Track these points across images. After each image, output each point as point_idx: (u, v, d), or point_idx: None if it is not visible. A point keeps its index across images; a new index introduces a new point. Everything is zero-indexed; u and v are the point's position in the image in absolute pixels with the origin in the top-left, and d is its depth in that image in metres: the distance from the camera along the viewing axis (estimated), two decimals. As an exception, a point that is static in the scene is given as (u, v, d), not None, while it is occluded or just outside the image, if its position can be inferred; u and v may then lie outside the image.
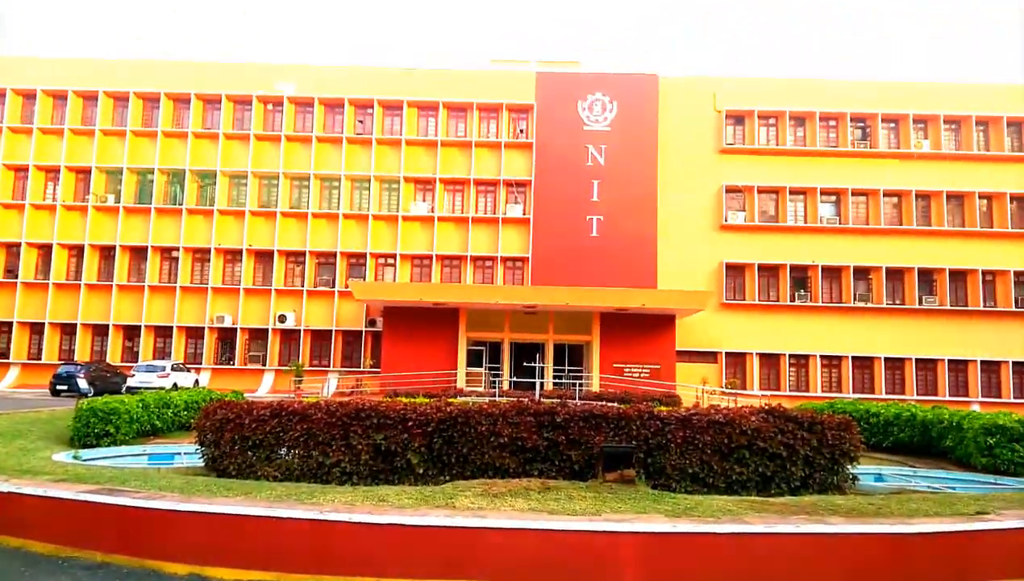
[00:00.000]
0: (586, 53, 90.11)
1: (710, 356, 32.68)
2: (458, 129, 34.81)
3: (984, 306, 32.46)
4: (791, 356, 32.58)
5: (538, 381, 28.88)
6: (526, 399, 10.37)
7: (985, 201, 33.52)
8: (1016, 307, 32.41)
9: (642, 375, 30.29)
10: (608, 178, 33.53)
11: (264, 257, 33.82)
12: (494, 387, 27.73)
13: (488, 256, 33.63)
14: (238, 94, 34.27)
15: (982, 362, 32.00)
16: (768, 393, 30.11)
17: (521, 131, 34.58)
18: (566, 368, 31.08)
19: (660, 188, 33.53)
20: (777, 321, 32.79)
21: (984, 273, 32.70)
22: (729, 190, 33.78)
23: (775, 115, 34.27)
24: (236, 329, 32.90)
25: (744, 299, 33.07)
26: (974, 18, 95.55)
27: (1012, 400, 31.00)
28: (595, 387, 28.99)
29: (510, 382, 29.47)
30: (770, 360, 32.81)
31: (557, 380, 29.86)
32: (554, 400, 10.74)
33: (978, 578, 6.72)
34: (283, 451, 9.79)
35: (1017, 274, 32.71)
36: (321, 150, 34.24)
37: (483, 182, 34.32)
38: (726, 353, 32.65)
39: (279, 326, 32.73)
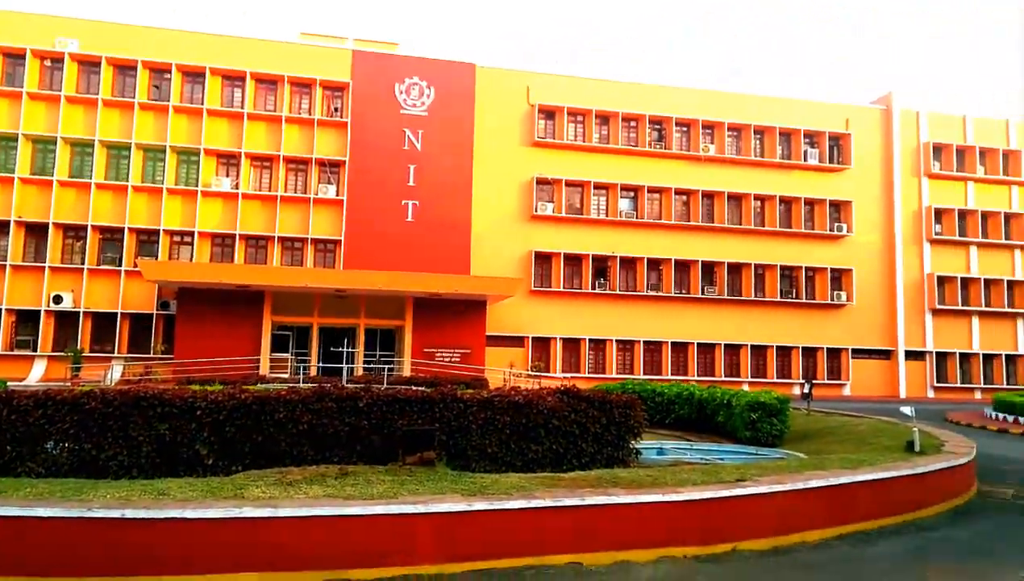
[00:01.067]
0: (405, 36, 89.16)
1: (518, 341, 33.84)
2: (267, 103, 33.06)
3: (755, 297, 36.41)
4: (591, 340, 34.57)
5: (346, 367, 28.34)
6: (328, 385, 10.15)
7: (759, 202, 37.52)
8: (781, 298, 36.68)
9: (453, 359, 30.74)
10: (425, 163, 33.49)
11: (36, 230, 30.12)
12: (301, 374, 26.81)
13: (298, 237, 32.36)
14: (9, 46, 30.11)
15: (752, 346, 35.95)
16: (569, 375, 31.80)
17: (336, 109, 33.54)
18: (377, 353, 30.78)
19: (475, 176, 34.04)
20: (579, 308, 34.63)
21: (756, 267, 36.65)
22: (539, 182, 35.05)
23: (583, 113, 35.97)
24: (0, 310, 29.07)
25: (551, 286, 34.54)
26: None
27: (775, 380, 35.08)
28: (406, 372, 28.99)
29: (318, 368, 28.66)
30: (572, 344, 34.60)
31: (368, 366, 29.48)
32: (359, 385, 10.61)
33: (737, 537, 7.57)
34: (50, 445, 8.83)
35: (783, 268, 36.99)
36: (108, 115, 31.00)
37: (294, 160, 32.92)
38: (533, 338, 33.97)
39: (53, 307, 29.35)
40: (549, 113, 35.80)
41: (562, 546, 6.82)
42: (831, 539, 8.08)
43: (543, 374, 31.22)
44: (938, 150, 39.51)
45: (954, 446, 12.03)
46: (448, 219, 33.35)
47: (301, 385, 17.71)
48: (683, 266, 36.07)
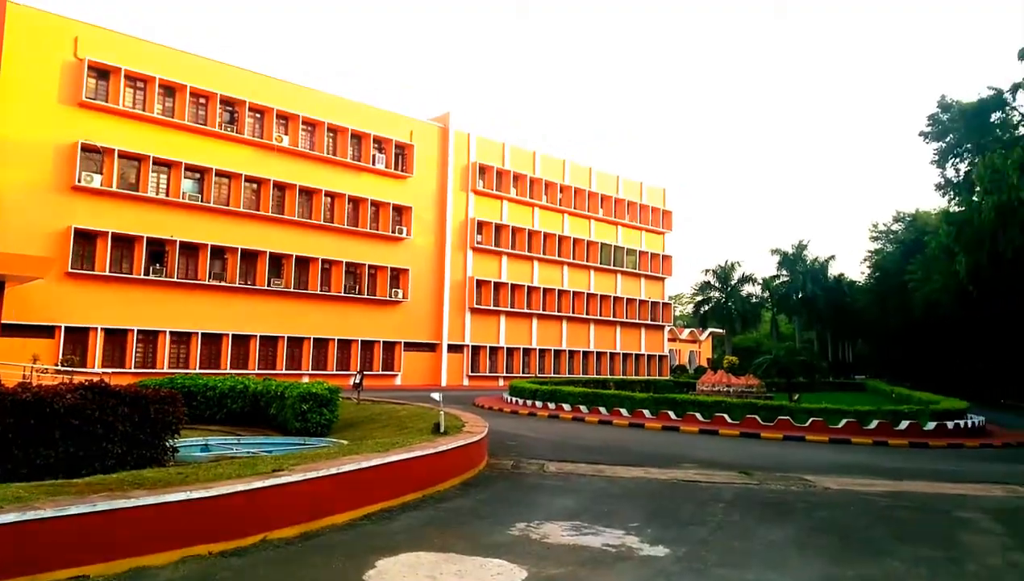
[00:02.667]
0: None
1: (47, 331, 29.10)
2: None
3: (321, 291, 37.29)
4: (140, 332, 31.47)
5: None
6: None
7: (329, 199, 38.49)
8: (345, 293, 38.21)
9: (-50, 352, 25.01)
10: (-83, 104, 26.56)
11: None
12: None
13: None
14: None
15: (315, 339, 36.73)
16: (111, 370, 28.41)
17: None
18: None
19: (-5, 130, 28.24)
20: (128, 295, 31.25)
21: (323, 262, 37.54)
22: (86, 149, 30.63)
23: (144, 79, 32.53)
24: None
25: (94, 269, 30.46)
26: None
27: (335, 372, 36.40)
28: None
29: None
30: (117, 335, 31.04)
31: None
32: None
33: (268, 527, 7.67)
34: None
35: (348, 265, 38.61)
36: None
37: None
38: (67, 327, 29.56)
39: None
40: (102, 72, 31.54)
41: (65, 560, 6.11)
42: (359, 519, 8.71)
43: (77, 369, 27.32)
44: (483, 170, 45.51)
45: (472, 426, 13.99)
46: (-48, 178, 27.01)
47: None
48: (250, 256, 35.12)
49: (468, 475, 11.95)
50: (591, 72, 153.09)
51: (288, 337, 35.78)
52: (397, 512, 9.23)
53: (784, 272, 66.09)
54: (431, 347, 42.38)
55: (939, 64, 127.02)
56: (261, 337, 34.89)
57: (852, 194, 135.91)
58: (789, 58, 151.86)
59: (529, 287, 47.29)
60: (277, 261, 36.13)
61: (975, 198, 35.19)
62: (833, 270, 66.59)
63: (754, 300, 62.71)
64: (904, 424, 20.46)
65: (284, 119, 37.02)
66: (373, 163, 40.01)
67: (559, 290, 49.19)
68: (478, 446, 12.85)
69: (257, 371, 32.83)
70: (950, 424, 20.94)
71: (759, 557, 7.77)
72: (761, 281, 63.48)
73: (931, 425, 20.50)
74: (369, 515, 8.92)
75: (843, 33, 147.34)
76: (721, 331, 65.53)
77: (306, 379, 32.55)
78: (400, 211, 41.35)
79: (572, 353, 50.37)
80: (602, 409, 24.01)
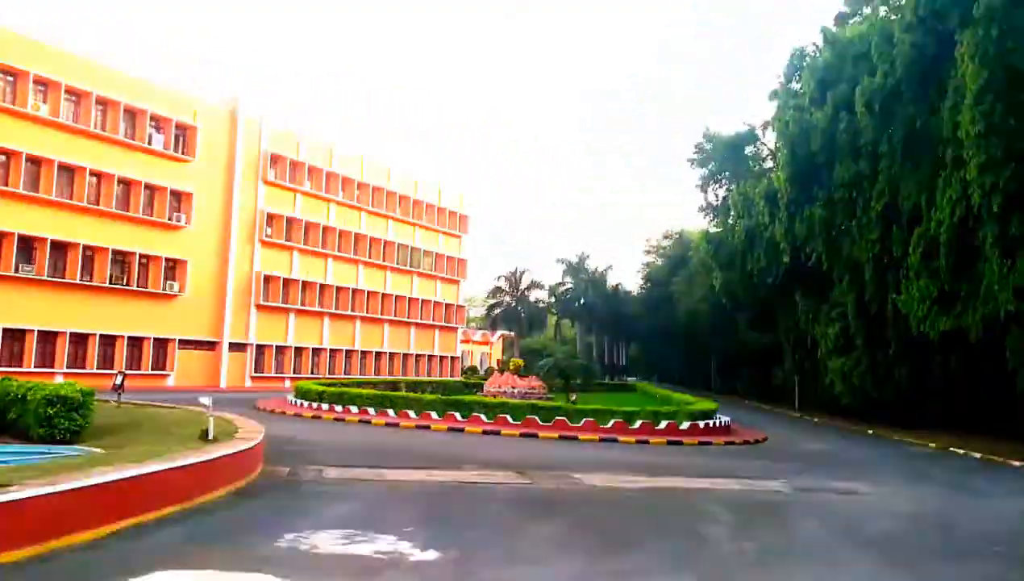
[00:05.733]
0: None
1: None
2: None
3: (81, 280, 33.45)
4: None
5: None
6: None
7: (95, 178, 34.59)
8: (111, 283, 34.60)
9: None
10: None
11: None
12: None
13: None
14: None
15: (72, 333, 32.87)
16: None
17: None
18: None
19: None
20: None
21: (85, 247, 33.71)
22: None
23: None
24: None
25: None
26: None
27: (97, 371, 32.80)
28: None
29: None
30: None
31: None
32: None
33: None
34: None
35: (115, 253, 34.96)
36: None
37: None
38: None
39: None
40: None
41: None
42: (106, 536, 7.99)
43: None
44: (275, 160, 43.48)
45: (246, 432, 13.33)
46: None
47: None
48: (-9, 237, 30.66)
49: (240, 484, 11.40)
50: (393, 71, 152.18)
51: (39, 330, 31.66)
52: (153, 528, 8.59)
53: (568, 280, 70.11)
54: (210, 345, 39.65)
55: (708, 100, 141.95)
56: (4, 329, 30.56)
57: (634, 212, 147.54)
58: (585, 86, 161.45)
59: (321, 285, 45.89)
60: (28, 244, 31.84)
61: (730, 221, 39.77)
62: (612, 280, 71.88)
63: (541, 305, 65.85)
64: (664, 424, 22.55)
65: (43, 85, 32.67)
66: (149, 143, 36.61)
67: (353, 289, 48.21)
68: (251, 453, 12.28)
69: (1, 369, 28.73)
70: (702, 423, 23.39)
71: (524, 556, 8.19)
72: (548, 287, 66.82)
73: (686, 424, 22.78)
74: (119, 532, 8.22)
75: (632, 68, 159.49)
76: (511, 334, 68.03)
77: (59, 378, 29.04)
78: (179, 197, 38.25)
79: (365, 353, 49.61)
80: (390, 411, 23.92)
